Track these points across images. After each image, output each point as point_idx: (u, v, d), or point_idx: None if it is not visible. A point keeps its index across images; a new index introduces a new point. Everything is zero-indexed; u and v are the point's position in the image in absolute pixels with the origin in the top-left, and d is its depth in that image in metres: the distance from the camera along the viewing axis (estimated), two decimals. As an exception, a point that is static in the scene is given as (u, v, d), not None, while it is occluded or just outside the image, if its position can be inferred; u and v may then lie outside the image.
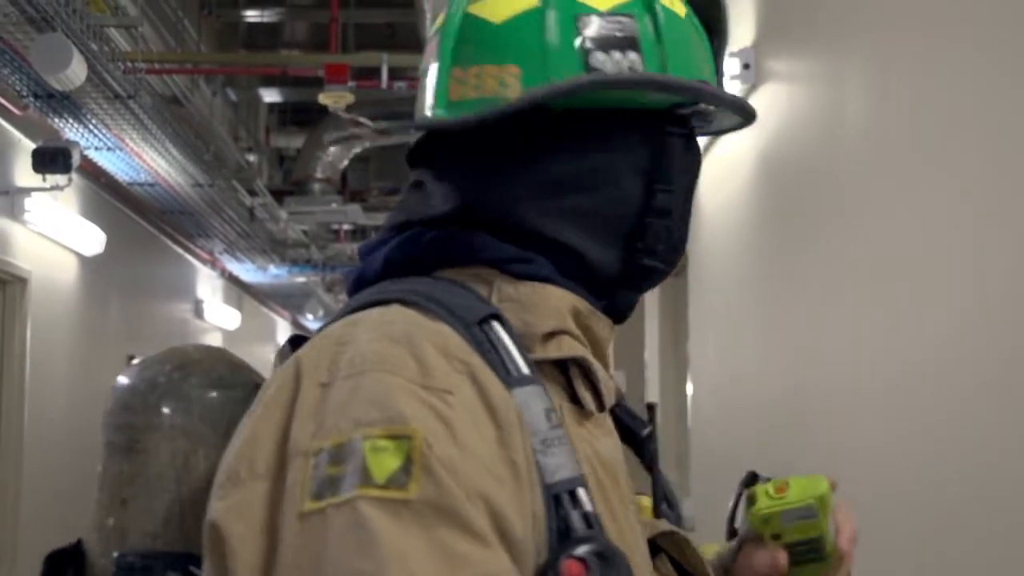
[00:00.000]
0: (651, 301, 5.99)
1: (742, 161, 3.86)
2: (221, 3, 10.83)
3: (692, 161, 1.13)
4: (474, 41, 1.08)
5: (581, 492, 0.95)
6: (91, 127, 6.24)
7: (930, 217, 2.24)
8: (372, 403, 0.90)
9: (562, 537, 0.93)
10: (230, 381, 1.14)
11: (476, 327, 0.98)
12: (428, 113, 1.10)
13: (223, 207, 9.09)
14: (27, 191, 6.31)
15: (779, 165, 3.43)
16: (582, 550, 0.92)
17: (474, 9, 1.09)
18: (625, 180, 1.09)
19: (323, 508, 0.86)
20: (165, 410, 1.11)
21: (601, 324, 1.11)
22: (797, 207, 3.23)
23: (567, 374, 1.06)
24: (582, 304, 1.08)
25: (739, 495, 3.44)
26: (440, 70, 1.09)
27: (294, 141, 14.20)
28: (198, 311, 11.64)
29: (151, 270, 9.84)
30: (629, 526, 1.05)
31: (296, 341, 1.08)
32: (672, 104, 1.09)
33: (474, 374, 0.94)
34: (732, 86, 3.68)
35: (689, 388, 5.08)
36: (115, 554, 1.08)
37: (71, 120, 6.07)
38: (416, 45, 8.05)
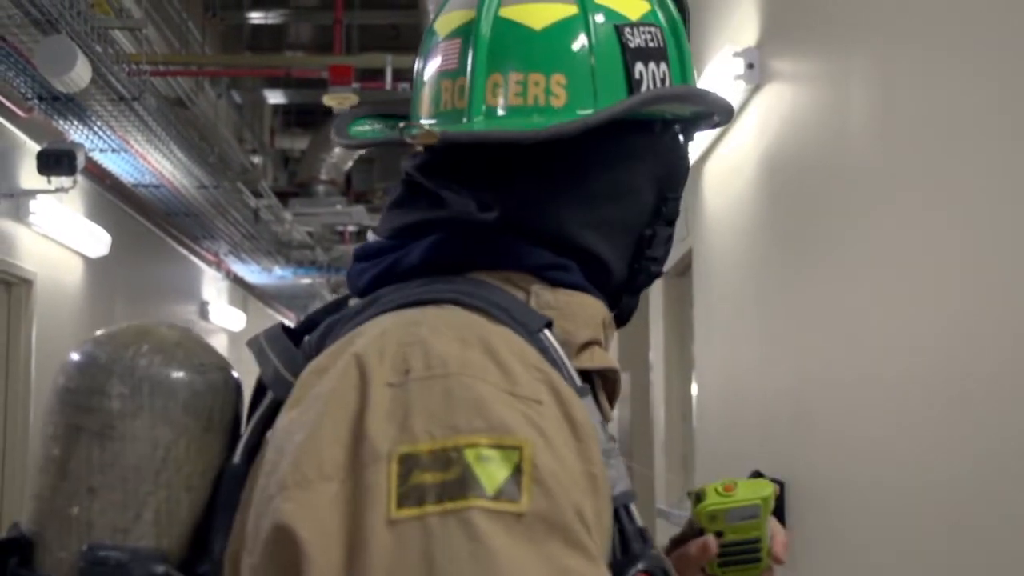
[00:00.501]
0: (656, 302, 5.99)
1: (746, 161, 3.86)
2: (225, 5, 10.83)
3: (684, 167, 1.15)
4: (512, 47, 1.06)
5: (633, 506, 0.95)
6: (96, 129, 6.24)
7: (933, 217, 2.24)
8: (470, 409, 0.86)
9: (623, 550, 0.93)
10: (209, 364, 1.07)
11: (537, 334, 0.96)
12: (464, 120, 1.06)
13: (228, 209, 9.10)
14: (32, 193, 6.32)
15: (783, 165, 3.42)
16: (644, 565, 0.92)
17: (509, 14, 1.07)
18: (645, 189, 1.10)
19: (422, 515, 0.83)
20: (147, 394, 1.03)
21: (612, 332, 1.11)
22: (801, 207, 3.22)
23: (591, 384, 1.03)
24: (608, 315, 1.09)
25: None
26: (475, 75, 1.06)
27: (298, 143, 14.23)
28: (203, 313, 11.65)
29: (156, 272, 9.85)
30: None
31: (292, 331, 1.06)
32: (694, 114, 1.11)
33: (552, 383, 0.92)
34: (736, 86, 3.68)
35: (694, 389, 5.08)
36: (84, 547, 1.00)
37: (76, 122, 6.08)
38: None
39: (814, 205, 3.08)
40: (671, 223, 1.12)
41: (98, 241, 7.32)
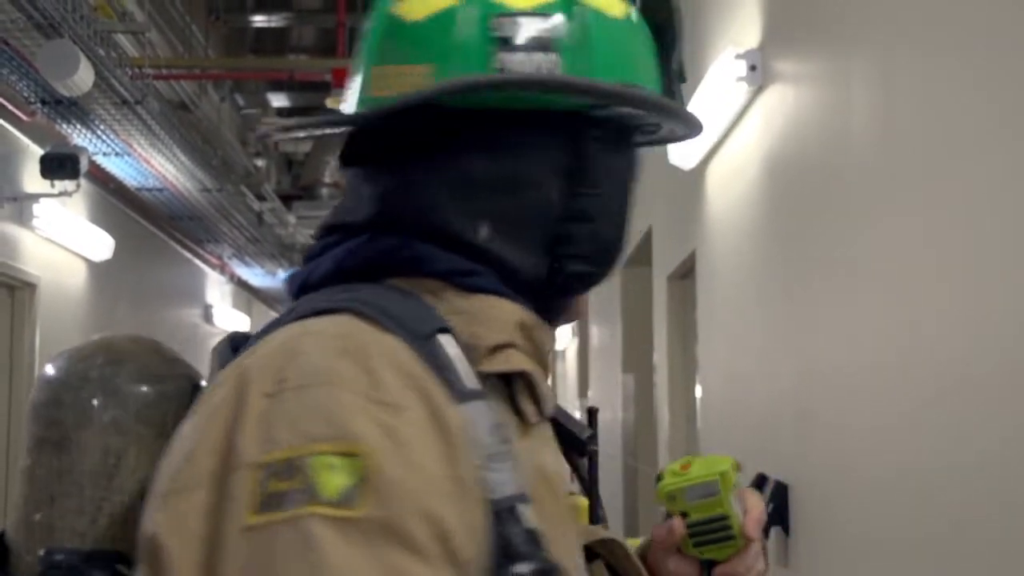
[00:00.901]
0: (659, 304, 5.98)
1: (748, 163, 3.86)
2: (228, 8, 10.84)
3: (624, 162, 1.12)
4: (395, 40, 1.08)
5: (522, 509, 0.94)
6: (99, 133, 6.25)
7: (936, 217, 2.24)
8: (322, 418, 0.89)
9: (503, 554, 0.92)
10: (164, 375, 1.11)
11: (427, 340, 0.97)
12: (346, 111, 1.10)
13: (232, 212, 9.11)
14: (35, 197, 6.33)
15: (785, 167, 3.42)
16: (522, 567, 0.92)
17: (395, 8, 1.09)
18: (546, 184, 1.08)
19: (269, 523, 0.85)
20: (96, 405, 1.08)
21: (546, 335, 1.10)
22: (803, 209, 3.22)
23: (511, 386, 1.05)
24: (529, 317, 1.07)
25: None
26: (364, 68, 1.09)
27: (302, 146, 14.22)
28: (207, 316, 11.66)
29: (160, 275, 9.85)
30: (564, 536, 1.05)
31: (236, 340, 1.07)
32: (590, 106, 1.07)
33: (425, 389, 0.93)
34: (739, 88, 3.68)
35: (698, 390, 5.07)
36: (41, 551, 1.06)
37: (79, 126, 6.09)
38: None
39: (817, 206, 3.08)
40: (587, 219, 1.09)
41: (101, 245, 7.32)
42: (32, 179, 6.25)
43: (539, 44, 1.05)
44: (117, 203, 7.81)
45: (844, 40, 2.85)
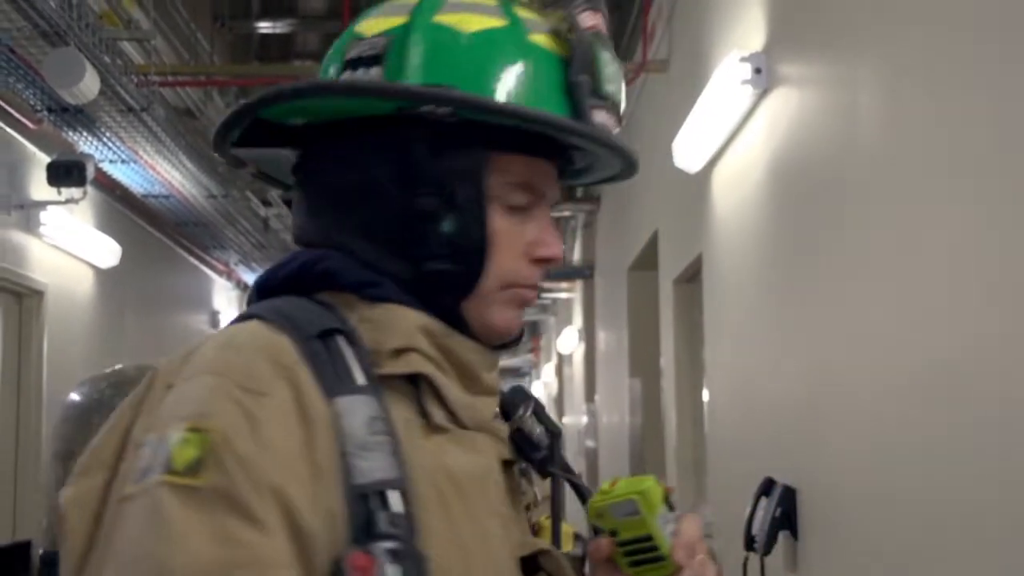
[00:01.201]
0: (666, 307, 5.98)
1: (754, 166, 3.85)
2: (233, 15, 10.85)
3: (469, 162, 1.15)
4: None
5: (392, 495, 1.03)
6: (105, 140, 6.25)
7: (944, 220, 2.23)
8: (191, 400, 1.02)
9: (363, 533, 1.01)
10: None
11: (316, 340, 1.08)
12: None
13: (237, 218, 9.10)
14: (42, 204, 6.33)
15: (791, 169, 3.42)
16: (374, 546, 1.00)
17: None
18: (388, 189, 1.15)
19: (134, 493, 0.99)
20: (95, 423, 1.23)
21: (465, 347, 1.16)
22: (809, 211, 3.22)
23: (420, 389, 1.14)
24: (435, 325, 1.15)
25: (756, 501, 3.44)
26: None
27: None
28: (214, 322, 11.66)
29: (167, 282, 9.86)
30: (481, 539, 1.12)
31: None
32: (397, 108, 1.14)
33: (294, 380, 1.05)
34: (744, 91, 3.67)
35: (705, 394, 5.07)
36: (40, 551, 1.25)
37: (85, 133, 6.09)
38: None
39: (822, 209, 3.08)
40: (433, 220, 1.14)
41: (108, 251, 7.33)
42: (39, 187, 6.25)
43: (368, 60, 1.16)
44: (124, 210, 7.82)
45: (850, 43, 2.85)
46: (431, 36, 1.16)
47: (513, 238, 1.18)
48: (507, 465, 1.23)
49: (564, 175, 1.28)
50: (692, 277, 5.40)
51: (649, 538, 1.17)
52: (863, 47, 2.74)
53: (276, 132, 1.22)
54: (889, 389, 2.54)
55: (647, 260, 6.58)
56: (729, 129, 4.13)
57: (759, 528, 3.38)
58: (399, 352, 1.12)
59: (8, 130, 5.87)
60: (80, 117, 5.78)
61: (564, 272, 11.49)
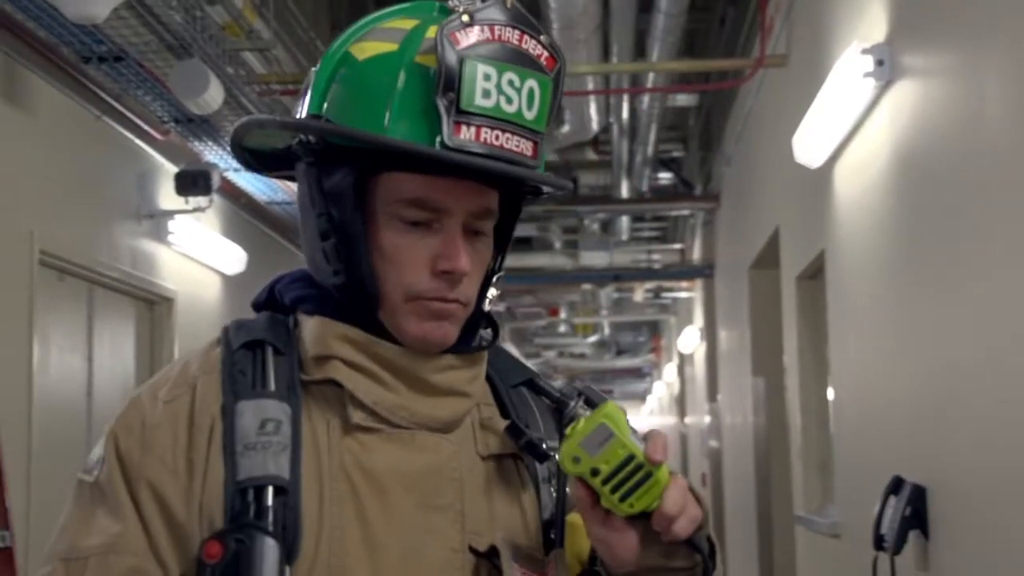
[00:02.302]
0: (788, 305, 5.90)
1: (877, 159, 3.79)
2: (352, 22, 10.99)
3: (343, 186, 1.22)
4: None
5: (268, 490, 1.16)
6: (229, 149, 6.37)
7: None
8: (123, 407, 1.24)
9: (233, 523, 1.15)
10: None
11: (242, 351, 1.24)
12: None
13: (359, 223, 9.22)
14: (171, 213, 6.48)
15: (916, 163, 3.35)
16: (228, 534, 1.13)
17: None
18: (308, 211, 1.26)
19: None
20: None
21: (393, 352, 1.24)
22: (935, 205, 3.15)
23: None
24: (355, 333, 1.24)
25: (884, 500, 3.38)
26: None
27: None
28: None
29: (291, 287, 10.01)
30: (399, 531, 1.20)
31: None
32: (294, 139, 1.25)
33: (195, 388, 1.23)
34: (865, 84, 3.61)
35: (830, 393, 4.99)
36: None
37: (210, 143, 6.22)
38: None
39: (949, 203, 3.01)
40: (325, 238, 1.24)
41: (235, 258, 7.47)
42: (167, 196, 6.40)
43: (303, 93, 1.27)
44: (249, 217, 7.96)
45: (976, 31, 2.78)
46: (334, 65, 1.25)
47: (413, 252, 1.23)
48: (500, 459, 1.29)
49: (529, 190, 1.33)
50: (815, 274, 5.32)
51: (632, 457, 1.17)
52: (989, 37, 2.68)
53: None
54: (1018, 384, 2.48)
55: (768, 258, 6.50)
56: (851, 123, 4.06)
57: (888, 527, 3.32)
58: (322, 359, 1.24)
59: (137, 141, 6.02)
60: (205, 127, 5.91)
61: (684, 271, 11.41)
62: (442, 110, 1.17)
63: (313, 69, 1.27)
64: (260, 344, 1.25)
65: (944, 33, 3.08)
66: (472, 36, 1.18)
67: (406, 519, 1.21)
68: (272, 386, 1.21)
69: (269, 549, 1.13)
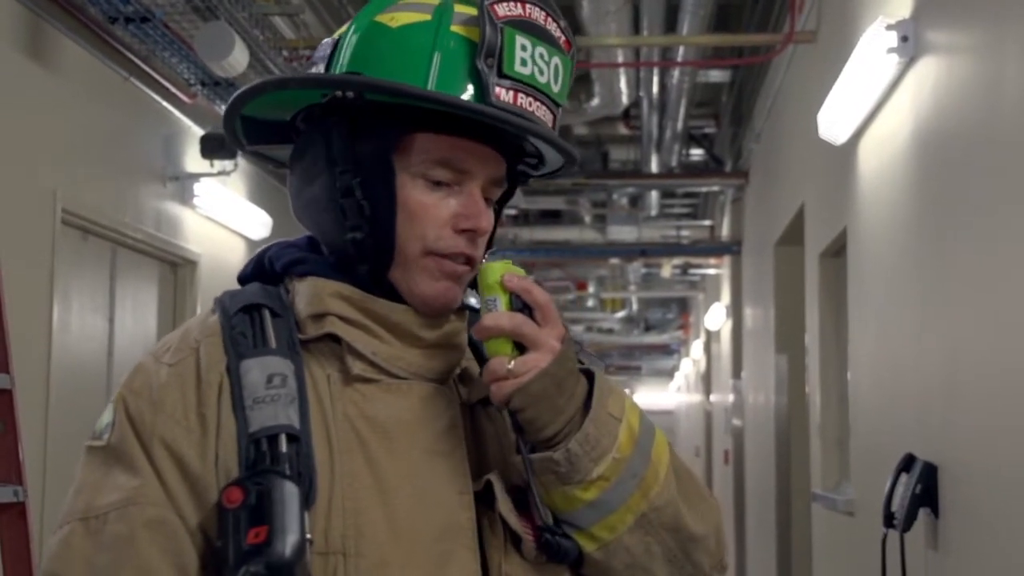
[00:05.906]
0: (811, 282, 5.87)
1: (901, 137, 3.75)
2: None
3: (377, 144, 1.29)
4: None
5: (281, 438, 1.21)
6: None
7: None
8: (127, 374, 1.30)
9: (249, 471, 1.20)
10: None
11: (240, 315, 1.29)
12: None
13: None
14: (196, 176, 6.49)
15: (940, 140, 3.32)
16: (247, 480, 1.18)
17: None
18: (323, 171, 1.32)
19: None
20: None
21: (388, 308, 1.30)
22: (958, 184, 3.12)
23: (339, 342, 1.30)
24: (350, 291, 1.30)
25: (896, 477, 3.37)
26: None
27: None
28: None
29: (317, 254, 10.04)
30: (407, 476, 1.26)
31: None
32: (322, 96, 1.30)
33: (199, 350, 1.28)
34: (889, 60, 3.58)
35: (849, 373, 4.97)
36: None
37: (237, 107, 6.22)
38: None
39: (972, 182, 2.98)
40: (348, 195, 1.29)
41: (259, 223, 7.48)
42: (193, 159, 6.41)
43: (320, 60, 1.34)
44: (274, 182, 7.98)
45: (1002, 7, 2.75)
46: (364, 32, 1.31)
47: (435, 210, 1.30)
48: (484, 405, 1.35)
49: (529, 168, 1.42)
50: (838, 252, 5.29)
51: (495, 299, 1.28)
52: (1013, 13, 2.64)
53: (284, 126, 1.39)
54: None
55: (793, 234, 6.47)
56: (875, 99, 4.03)
57: (899, 505, 3.31)
58: (317, 317, 1.30)
59: (164, 103, 6.03)
60: (232, 90, 5.91)
61: (712, 248, 11.36)
62: (485, 72, 1.26)
63: (325, 40, 1.35)
64: (257, 308, 1.31)
65: (969, 9, 3.04)
66: (508, 10, 1.27)
67: (413, 464, 1.28)
68: (273, 344, 1.27)
69: (289, 492, 1.18)
